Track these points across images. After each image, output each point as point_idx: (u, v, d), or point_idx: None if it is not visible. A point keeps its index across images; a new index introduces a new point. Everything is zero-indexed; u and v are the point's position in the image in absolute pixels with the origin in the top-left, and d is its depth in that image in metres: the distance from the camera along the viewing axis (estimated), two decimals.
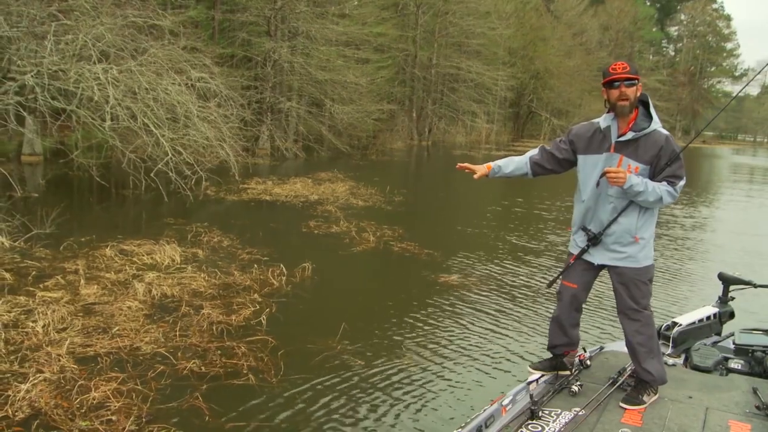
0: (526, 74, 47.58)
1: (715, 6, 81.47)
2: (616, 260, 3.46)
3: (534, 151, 3.75)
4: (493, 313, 6.67)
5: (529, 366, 3.82)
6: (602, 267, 3.55)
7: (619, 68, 3.33)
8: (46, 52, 11.07)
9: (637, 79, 3.32)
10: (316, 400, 4.44)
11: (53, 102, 11.31)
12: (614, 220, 3.41)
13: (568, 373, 3.62)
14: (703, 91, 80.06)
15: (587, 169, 3.51)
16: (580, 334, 3.78)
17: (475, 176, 3.76)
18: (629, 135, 3.33)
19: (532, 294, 7.49)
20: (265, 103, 22.85)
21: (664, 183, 3.29)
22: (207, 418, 4.06)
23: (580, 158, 3.54)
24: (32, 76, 10.89)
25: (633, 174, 3.29)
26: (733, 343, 4.32)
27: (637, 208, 3.38)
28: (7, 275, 6.59)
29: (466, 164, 3.76)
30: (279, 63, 22.97)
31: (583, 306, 3.76)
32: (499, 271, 8.46)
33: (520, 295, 7.40)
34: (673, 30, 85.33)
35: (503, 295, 7.34)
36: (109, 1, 13.79)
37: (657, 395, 3.43)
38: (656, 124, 3.32)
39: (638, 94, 3.34)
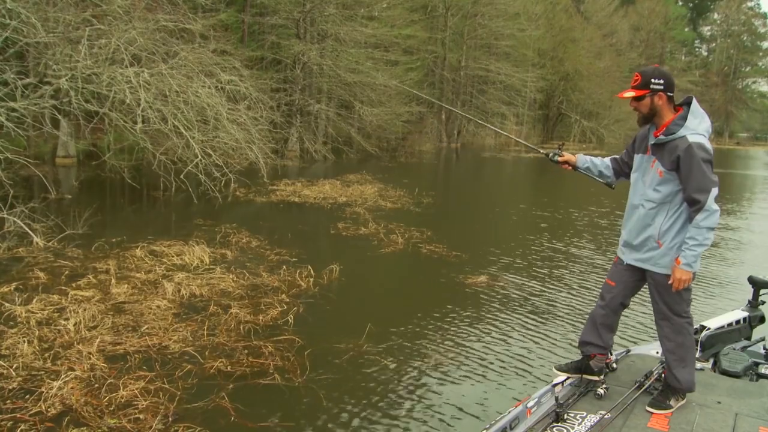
0: (556, 76, 47.19)
1: (750, 4, 79.96)
2: (639, 262, 3.44)
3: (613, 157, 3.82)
4: (520, 314, 6.62)
5: (555, 367, 3.76)
6: (638, 269, 3.48)
7: (632, 81, 3.35)
8: (80, 57, 11.25)
9: (647, 93, 3.27)
10: (342, 400, 4.45)
11: (86, 105, 11.49)
12: (641, 220, 3.39)
13: (596, 378, 3.55)
14: (738, 92, 78.60)
15: (634, 167, 3.54)
16: (613, 341, 3.69)
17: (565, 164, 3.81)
18: (659, 138, 3.30)
19: (560, 296, 7.42)
20: (294, 106, 22.99)
21: (694, 215, 3.19)
22: (232, 417, 4.08)
23: (635, 156, 3.56)
24: (67, 80, 11.08)
25: (681, 262, 3.21)
26: (764, 348, 4.24)
27: (663, 212, 3.31)
28: (41, 274, 6.73)
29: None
30: (308, 65, 23.10)
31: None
32: (527, 274, 8.40)
33: (547, 298, 7.33)
34: (706, 30, 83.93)
35: (530, 297, 7.28)
36: (141, 5, 14.00)
37: (684, 400, 3.37)
38: (687, 130, 3.21)
39: (657, 104, 3.29)
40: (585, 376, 3.58)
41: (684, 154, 3.16)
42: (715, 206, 3.15)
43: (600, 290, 3.70)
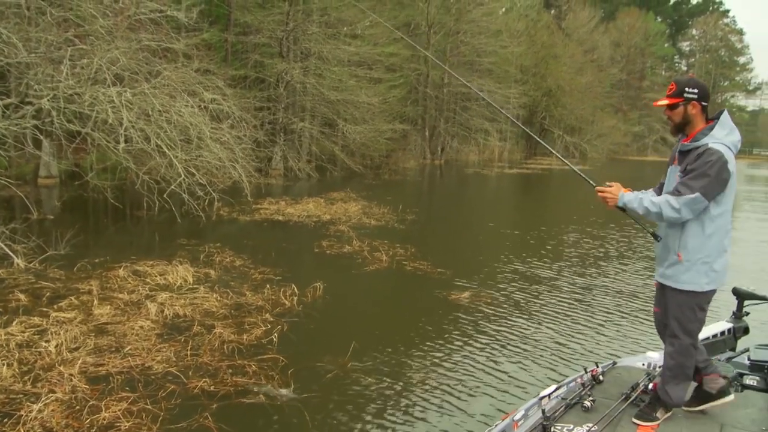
0: (538, 92, 47.66)
1: (727, 20, 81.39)
2: (663, 278, 3.40)
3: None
4: (503, 330, 6.63)
5: (683, 406, 3.49)
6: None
7: (667, 90, 3.34)
8: (62, 77, 11.21)
9: (680, 101, 3.27)
10: (326, 419, 4.43)
11: (69, 125, 11.43)
12: (663, 231, 3.37)
13: (724, 401, 3.42)
14: (717, 106, 79.47)
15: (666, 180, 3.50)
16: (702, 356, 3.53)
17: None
18: (685, 144, 3.31)
19: (544, 310, 7.45)
20: (277, 124, 23.02)
21: (670, 193, 3.21)
22: None
23: (667, 170, 3.51)
24: (48, 100, 11.03)
25: (624, 193, 3.28)
26: (749, 359, 4.25)
27: (684, 221, 3.28)
28: (22, 296, 6.66)
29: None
30: (291, 84, 23.15)
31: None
32: (510, 289, 8.42)
33: (530, 313, 7.35)
34: (685, 45, 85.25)
35: (513, 313, 7.30)
36: (124, 25, 13.97)
37: (671, 412, 3.38)
38: (711, 138, 3.20)
39: (690, 113, 3.29)
40: (712, 403, 3.43)
41: (701, 157, 3.16)
42: (685, 212, 3.15)
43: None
